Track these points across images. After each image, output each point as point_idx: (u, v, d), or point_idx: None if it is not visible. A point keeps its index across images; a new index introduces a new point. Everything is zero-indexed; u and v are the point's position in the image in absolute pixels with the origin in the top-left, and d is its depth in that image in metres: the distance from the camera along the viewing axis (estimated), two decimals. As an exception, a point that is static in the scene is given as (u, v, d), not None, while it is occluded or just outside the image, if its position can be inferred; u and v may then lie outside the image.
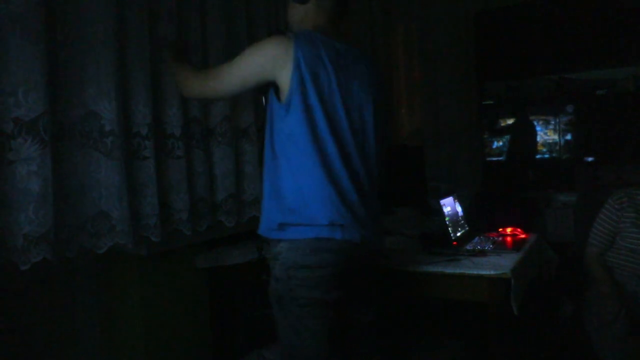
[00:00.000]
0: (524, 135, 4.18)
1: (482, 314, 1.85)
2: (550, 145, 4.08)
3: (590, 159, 3.80)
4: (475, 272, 1.83)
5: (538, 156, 4.15)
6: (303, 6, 1.61)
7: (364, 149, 1.57)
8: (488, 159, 4.19)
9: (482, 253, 2.04)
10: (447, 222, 2.21)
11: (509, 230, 2.40)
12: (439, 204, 2.23)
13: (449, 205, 2.31)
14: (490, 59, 3.93)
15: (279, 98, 1.50)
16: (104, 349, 2.02)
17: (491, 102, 4.16)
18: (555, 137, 4.07)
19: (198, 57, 2.10)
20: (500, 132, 4.25)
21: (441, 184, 3.40)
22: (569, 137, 4.02)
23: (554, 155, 4.04)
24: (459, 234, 2.27)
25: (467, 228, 2.40)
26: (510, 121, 4.31)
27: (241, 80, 1.55)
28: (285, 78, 1.46)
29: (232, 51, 2.25)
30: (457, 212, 2.38)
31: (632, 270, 2.17)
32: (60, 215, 1.58)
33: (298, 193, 1.46)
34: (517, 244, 2.16)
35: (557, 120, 4.03)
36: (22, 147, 1.47)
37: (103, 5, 1.69)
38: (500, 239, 2.30)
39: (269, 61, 1.48)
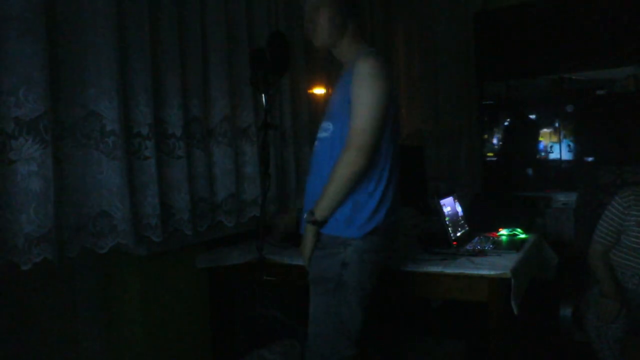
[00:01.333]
0: (524, 135, 4.18)
1: (482, 314, 1.85)
2: (550, 146, 4.09)
3: (590, 159, 3.80)
4: (475, 272, 1.83)
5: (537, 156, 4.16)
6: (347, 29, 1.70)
7: (398, 149, 1.74)
8: (488, 159, 4.19)
9: (482, 253, 2.04)
10: (447, 222, 2.21)
11: (509, 230, 2.40)
12: (439, 204, 2.23)
13: (449, 205, 2.31)
14: (490, 59, 3.93)
15: None
16: (105, 348, 2.02)
17: (491, 102, 4.16)
18: (555, 137, 4.07)
19: (198, 57, 2.11)
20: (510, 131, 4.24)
21: (441, 184, 3.40)
22: (568, 137, 4.02)
23: (554, 155, 4.04)
24: (459, 234, 2.28)
25: (467, 228, 2.40)
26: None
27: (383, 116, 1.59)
28: None
29: (232, 51, 2.25)
30: (457, 212, 2.38)
31: (634, 269, 2.17)
32: (61, 215, 1.58)
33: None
34: (517, 244, 2.16)
35: (557, 120, 4.03)
36: (23, 147, 1.48)
37: (103, 6, 1.69)
38: (500, 239, 2.30)
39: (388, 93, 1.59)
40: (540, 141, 4.11)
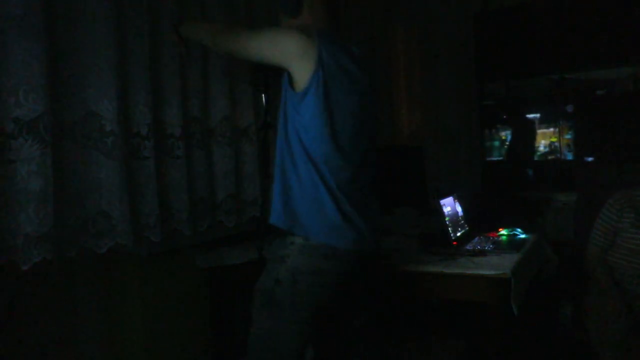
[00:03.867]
0: (524, 135, 4.18)
1: (482, 314, 1.85)
2: (550, 146, 4.08)
3: (590, 159, 3.79)
4: (475, 272, 1.83)
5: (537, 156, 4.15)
6: (296, 20, 1.57)
7: (367, 153, 1.56)
8: (488, 158, 4.19)
9: (482, 253, 2.04)
10: (447, 222, 2.21)
11: (509, 230, 2.40)
12: (439, 204, 2.23)
13: (449, 205, 2.31)
14: (490, 59, 3.93)
15: (292, 86, 1.47)
16: (105, 348, 2.02)
17: (491, 102, 4.16)
18: (555, 137, 4.07)
19: (198, 57, 2.11)
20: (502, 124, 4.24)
21: (441, 184, 3.40)
22: (568, 137, 4.02)
23: (554, 155, 4.04)
24: (459, 234, 2.27)
25: (467, 228, 2.40)
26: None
27: (259, 53, 1.53)
28: (303, 73, 1.44)
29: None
30: (457, 212, 2.38)
31: (632, 270, 2.17)
32: (61, 215, 1.58)
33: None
34: (517, 244, 2.16)
35: (557, 120, 4.03)
36: (23, 147, 1.48)
37: (103, 6, 1.69)
38: (500, 239, 2.30)
39: (285, 55, 1.45)
40: (535, 141, 4.11)
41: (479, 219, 2.55)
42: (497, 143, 4.20)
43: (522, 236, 2.34)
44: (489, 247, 2.14)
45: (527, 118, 4.15)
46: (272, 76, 2.08)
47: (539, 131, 4.11)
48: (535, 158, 4.09)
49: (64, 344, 1.90)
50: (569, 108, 3.93)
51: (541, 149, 4.07)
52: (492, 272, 1.80)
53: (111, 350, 2.03)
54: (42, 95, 1.49)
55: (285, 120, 1.48)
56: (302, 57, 1.42)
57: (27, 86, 1.47)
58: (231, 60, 2.24)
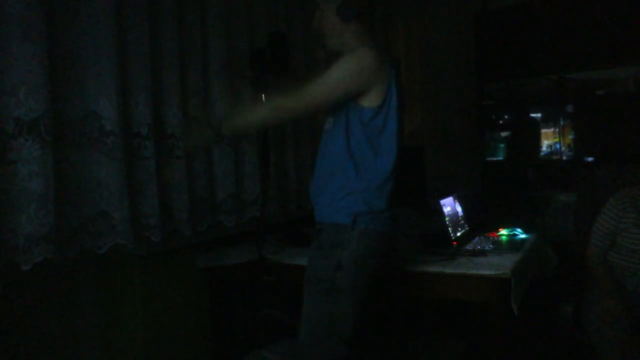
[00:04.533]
0: (527, 134, 4.18)
1: (482, 314, 1.85)
2: (550, 146, 4.08)
3: (590, 159, 3.79)
4: (475, 272, 1.83)
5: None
6: (351, 25, 1.67)
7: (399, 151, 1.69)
8: (491, 159, 4.19)
9: (482, 253, 2.04)
10: (447, 222, 2.21)
11: (509, 230, 2.40)
12: (439, 204, 2.23)
13: (449, 205, 2.31)
14: (490, 59, 3.93)
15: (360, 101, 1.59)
16: (105, 348, 2.02)
17: (491, 102, 4.16)
18: (555, 137, 4.07)
19: (198, 57, 2.11)
20: (500, 127, 4.23)
21: (441, 184, 3.40)
22: (568, 137, 4.02)
23: (559, 155, 4.04)
24: (459, 234, 2.27)
25: (467, 228, 2.40)
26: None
27: (333, 98, 1.60)
28: (380, 88, 1.58)
29: (232, 51, 2.25)
30: (457, 212, 2.38)
31: (633, 270, 2.17)
32: (61, 215, 1.58)
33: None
34: (517, 244, 2.16)
35: (557, 120, 4.02)
36: (23, 147, 1.48)
37: (103, 6, 1.69)
38: (500, 239, 2.30)
39: (371, 77, 1.56)
40: (540, 141, 4.10)
41: (479, 219, 2.55)
42: (502, 145, 4.20)
43: (522, 236, 2.34)
44: (489, 247, 2.14)
45: (531, 117, 4.14)
46: (272, 76, 2.09)
47: (542, 131, 4.11)
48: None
49: (64, 344, 1.90)
50: (569, 108, 3.93)
51: (544, 149, 4.07)
52: (492, 272, 1.80)
53: (111, 350, 2.03)
54: (43, 95, 1.50)
55: (347, 131, 1.61)
56: (381, 73, 1.57)
57: (28, 86, 1.47)
58: (231, 60, 2.24)
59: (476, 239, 2.29)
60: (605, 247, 2.24)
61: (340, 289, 1.57)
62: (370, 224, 1.60)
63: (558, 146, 4.02)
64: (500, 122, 4.13)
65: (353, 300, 1.58)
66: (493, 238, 2.30)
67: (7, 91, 1.46)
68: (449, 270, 1.88)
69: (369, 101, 1.58)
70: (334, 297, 1.57)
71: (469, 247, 2.15)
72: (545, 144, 4.10)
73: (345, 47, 1.68)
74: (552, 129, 4.06)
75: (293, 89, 1.57)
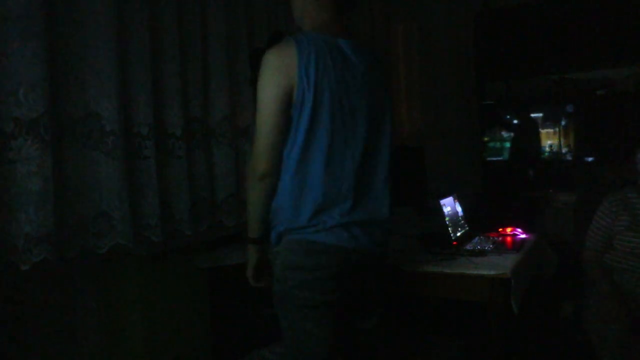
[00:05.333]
0: (527, 134, 4.18)
1: (482, 314, 1.85)
2: (550, 145, 4.09)
3: (590, 159, 3.80)
4: (475, 272, 1.83)
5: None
6: (302, 1, 1.56)
7: (375, 150, 1.53)
8: (493, 159, 4.19)
9: (482, 253, 2.04)
10: (447, 222, 2.21)
11: (509, 230, 2.40)
12: (439, 204, 2.23)
13: (449, 205, 2.31)
14: (490, 59, 3.93)
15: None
16: (104, 348, 2.02)
17: (491, 102, 4.16)
18: (555, 137, 4.07)
19: (198, 57, 2.11)
20: (508, 127, 4.24)
21: (441, 184, 3.40)
22: (568, 137, 4.02)
23: (554, 155, 4.05)
24: (459, 234, 2.27)
25: (467, 228, 2.40)
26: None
27: (274, 112, 1.41)
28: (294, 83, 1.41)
29: (232, 51, 2.25)
30: (457, 212, 2.38)
31: (631, 271, 2.17)
32: (61, 215, 1.58)
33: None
34: (517, 244, 2.16)
35: (557, 120, 4.03)
36: (23, 147, 1.48)
37: (103, 6, 1.69)
38: (500, 239, 2.30)
39: (283, 76, 1.41)
40: (540, 141, 4.11)
41: (479, 219, 2.55)
42: (507, 144, 4.20)
43: (522, 236, 2.34)
44: (489, 247, 2.13)
45: (531, 118, 4.15)
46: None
47: (543, 131, 4.11)
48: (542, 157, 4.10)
49: (63, 344, 1.90)
50: (569, 108, 3.93)
51: (546, 149, 4.07)
52: (492, 272, 1.80)
53: (111, 350, 2.03)
54: (42, 95, 1.49)
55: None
56: (287, 68, 1.43)
57: (27, 86, 1.47)
58: (231, 60, 2.24)
59: (476, 239, 2.29)
60: (600, 250, 2.24)
61: (283, 302, 1.47)
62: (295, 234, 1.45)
63: (557, 146, 4.02)
64: (515, 121, 4.13)
65: (302, 314, 1.44)
66: (493, 238, 2.30)
67: (7, 91, 1.46)
68: (449, 270, 1.88)
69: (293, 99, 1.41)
70: (283, 309, 1.48)
71: (469, 247, 2.15)
72: (545, 144, 4.10)
73: (297, 20, 1.61)
74: (552, 129, 4.07)
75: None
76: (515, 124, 4.22)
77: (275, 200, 1.45)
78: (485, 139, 4.28)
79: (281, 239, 1.46)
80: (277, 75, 1.41)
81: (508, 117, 4.14)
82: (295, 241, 1.44)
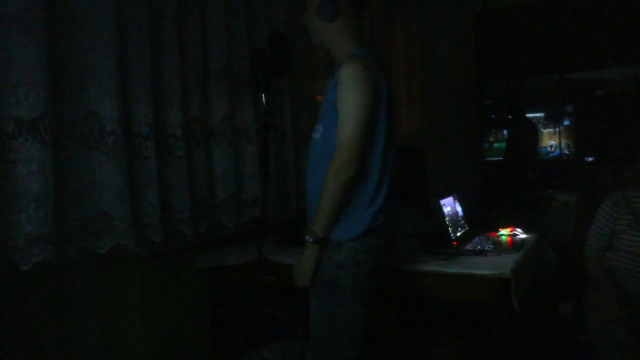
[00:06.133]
0: (524, 135, 4.18)
1: (482, 314, 1.85)
2: (550, 146, 4.09)
3: (590, 159, 3.80)
4: (475, 272, 1.83)
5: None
6: (334, 24, 1.66)
7: (394, 149, 1.70)
8: (491, 159, 4.20)
9: (482, 253, 2.04)
10: (447, 222, 2.21)
11: (509, 230, 2.40)
12: (439, 204, 2.23)
13: (449, 205, 2.31)
14: (490, 59, 3.93)
15: None
16: (104, 348, 2.02)
17: (491, 102, 4.16)
18: (555, 137, 4.07)
19: (198, 57, 2.11)
20: (497, 125, 4.24)
21: (441, 184, 3.40)
22: (568, 137, 4.03)
23: (554, 155, 4.05)
24: (459, 234, 2.28)
25: (467, 228, 2.40)
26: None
27: (366, 122, 1.55)
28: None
29: (232, 51, 2.25)
30: (457, 212, 2.38)
31: (632, 271, 2.17)
32: (61, 215, 1.58)
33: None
34: (517, 244, 2.16)
35: (557, 120, 4.03)
36: (23, 147, 1.48)
37: (103, 6, 1.69)
38: (500, 239, 2.30)
39: (371, 88, 1.56)
40: (537, 142, 4.11)
41: (479, 219, 2.55)
42: (504, 145, 4.20)
43: (522, 236, 2.34)
44: (489, 247, 2.14)
45: (527, 119, 4.15)
46: (272, 76, 2.09)
47: (545, 131, 4.11)
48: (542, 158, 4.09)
49: (63, 344, 1.90)
50: (569, 108, 3.93)
51: (547, 149, 4.07)
52: (492, 272, 1.80)
53: (111, 350, 2.03)
54: (43, 95, 1.49)
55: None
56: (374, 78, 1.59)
57: (28, 86, 1.47)
58: (231, 60, 2.24)
59: (476, 239, 2.29)
60: (601, 249, 2.24)
61: (343, 289, 1.57)
62: (358, 224, 1.59)
63: (557, 146, 4.03)
64: (506, 118, 4.13)
65: (356, 298, 1.58)
66: (493, 238, 2.30)
67: (7, 91, 1.46)
68: (449, 270, 1.88)
69: None
70: (338, 297, 1.58)
71: (469, 247, 2.15)
72: (547, 144, 4.10)
73: (331, 44, 1.70)
74: (552, 129, 4.07)
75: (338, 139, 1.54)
76: (509, 124, 4.21)
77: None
78: (491, 139, 4.29)
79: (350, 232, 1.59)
80: (368, 87, 1.55)
81: (498, 117, 4.14)
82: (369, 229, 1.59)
